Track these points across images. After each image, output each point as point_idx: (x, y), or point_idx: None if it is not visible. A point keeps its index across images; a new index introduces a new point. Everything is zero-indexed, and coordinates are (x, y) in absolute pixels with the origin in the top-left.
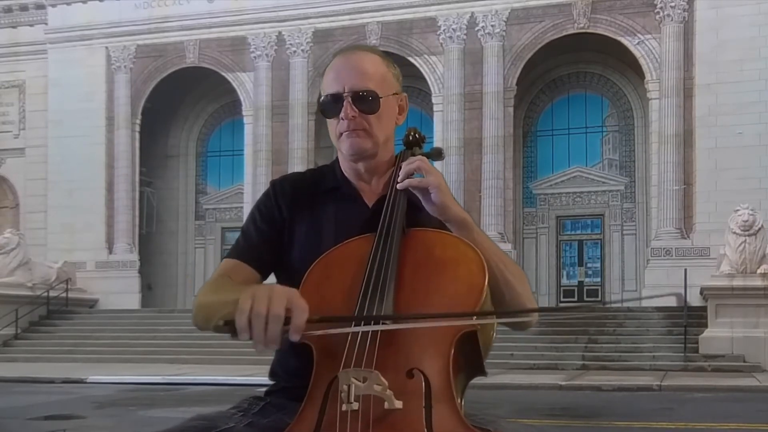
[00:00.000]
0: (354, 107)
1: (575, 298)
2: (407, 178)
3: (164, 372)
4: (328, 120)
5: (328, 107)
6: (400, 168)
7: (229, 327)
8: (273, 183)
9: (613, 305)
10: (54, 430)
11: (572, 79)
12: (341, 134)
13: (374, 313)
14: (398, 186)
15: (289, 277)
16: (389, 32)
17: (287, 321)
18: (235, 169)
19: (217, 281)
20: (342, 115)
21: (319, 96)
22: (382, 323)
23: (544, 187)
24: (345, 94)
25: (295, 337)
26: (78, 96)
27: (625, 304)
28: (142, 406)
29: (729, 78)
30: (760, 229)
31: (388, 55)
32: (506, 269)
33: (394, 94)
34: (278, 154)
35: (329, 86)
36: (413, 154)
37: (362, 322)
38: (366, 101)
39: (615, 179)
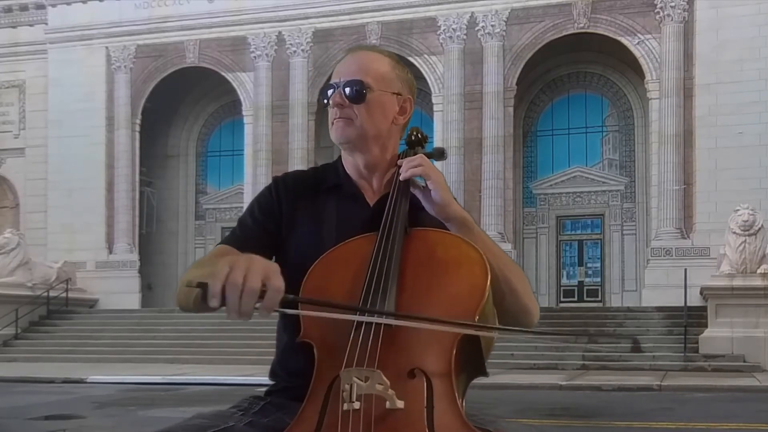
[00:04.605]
0: (343, 96)
1: (575, 298)
2: (409, 170)
3: (164, 372)
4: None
5: (324, 96)
6: (401, 165)
7: (202, 290)
8: (275, 179)
9: (613, 305)
10: (54, 430)
11: (572, 79)
12: (332, 123)
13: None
14: (401, 177)
15: (288, 273)
16: (389, 32)
17: (262, 295)
18: (235, 169)
19: (205, 259)
20: (331, 101)
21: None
22: (367, 314)
23: (544, 187)
24: (338, 83)
25: (264, 315)
26: (78, 96)
27: (625, 304)
28: (142, 406)
29: (729, 78)
30: (760, 229)
31: (401, 60)
32: (506, 268)
33: (394, 93)
34: (278, 154)
35: (332, 79)
36: (415, 154)
37: (357, 312)
38: (353, 90)
39: (615, 179)
